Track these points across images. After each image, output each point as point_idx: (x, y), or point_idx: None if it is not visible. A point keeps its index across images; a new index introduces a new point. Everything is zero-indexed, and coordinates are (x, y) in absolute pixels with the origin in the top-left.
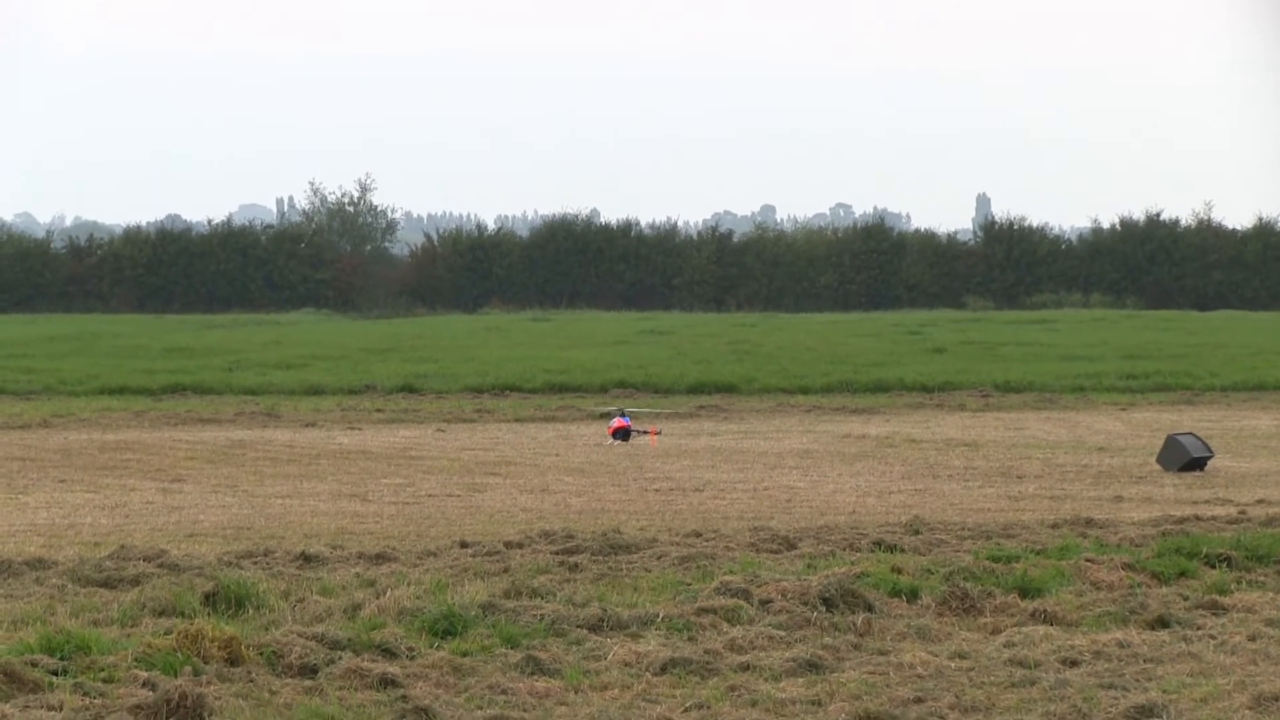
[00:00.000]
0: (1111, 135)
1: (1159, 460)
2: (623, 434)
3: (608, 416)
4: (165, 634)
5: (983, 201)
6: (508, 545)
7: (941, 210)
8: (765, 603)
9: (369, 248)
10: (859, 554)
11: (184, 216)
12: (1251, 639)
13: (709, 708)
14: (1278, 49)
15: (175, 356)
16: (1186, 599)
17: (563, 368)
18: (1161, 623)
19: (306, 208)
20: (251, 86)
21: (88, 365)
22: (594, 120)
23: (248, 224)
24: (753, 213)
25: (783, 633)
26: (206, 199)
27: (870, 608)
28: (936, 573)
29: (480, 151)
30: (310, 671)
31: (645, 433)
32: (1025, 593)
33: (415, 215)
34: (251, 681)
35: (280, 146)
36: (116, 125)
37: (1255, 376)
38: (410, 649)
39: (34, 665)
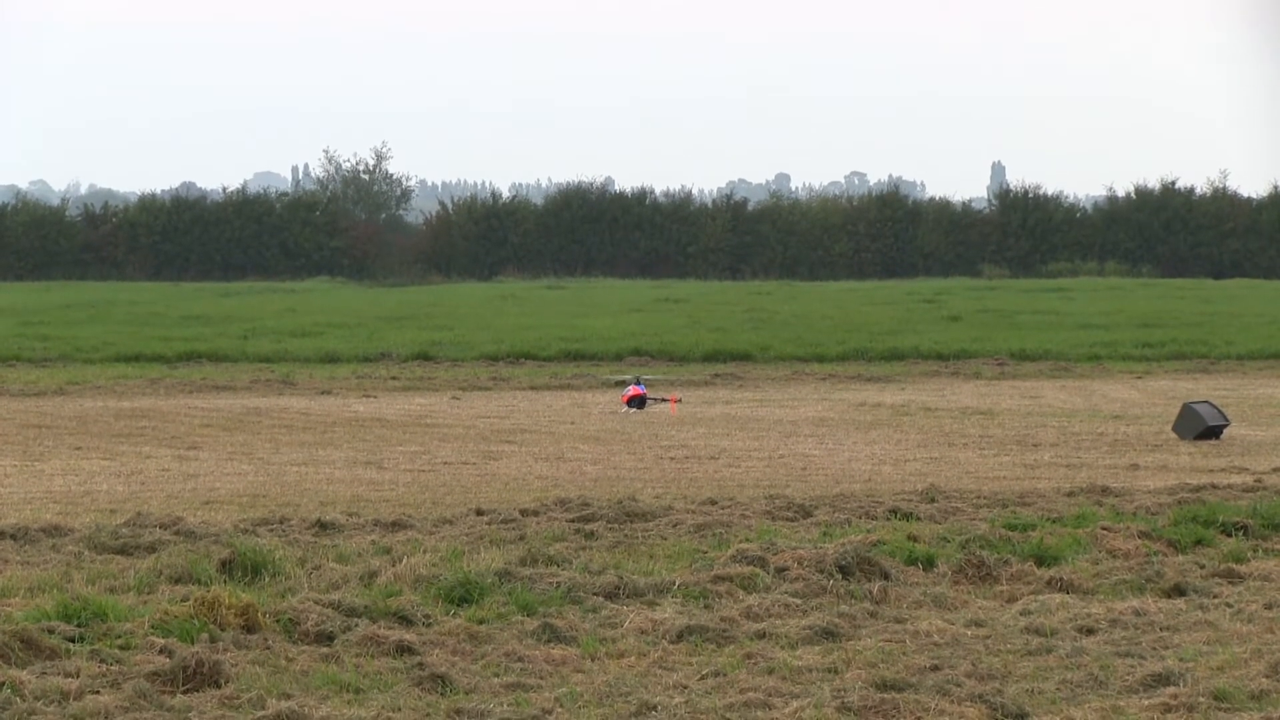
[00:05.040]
0: (1126, 103)
1: (1175, 428)
2: (638, 402)
3: (623, 384)
4: (182, 601)
5: (998, 169)
6: (524, 513)
7: (956, 178)
8: (781, 570)
9: (384, 215)
10: (875, 522)
11: (199, 184)
12: (1268, 607)
13: (725, 675)
14: None
15: (190, 324)
16: (1203, 567)
17: (578, 335)
18: (1178, 591)
19: (321, 175)
20: (267, 53)
21: (103, 333)
22: (609, 88)
23: (263, 192)
24: (767, 181)
25: (799, 600)
26: (221, 166)
27: (886, 575)
28: (953, 541)
29: (495, 119)
30: (326, 639)
31: (665, 400)
32: (1041, 561)
33: (430, 183)
34: (268, 649)
35: (295, 114)
36: (131, 92)
37: (1271, 345)
38: (426, 616)
39: (51, 632)
